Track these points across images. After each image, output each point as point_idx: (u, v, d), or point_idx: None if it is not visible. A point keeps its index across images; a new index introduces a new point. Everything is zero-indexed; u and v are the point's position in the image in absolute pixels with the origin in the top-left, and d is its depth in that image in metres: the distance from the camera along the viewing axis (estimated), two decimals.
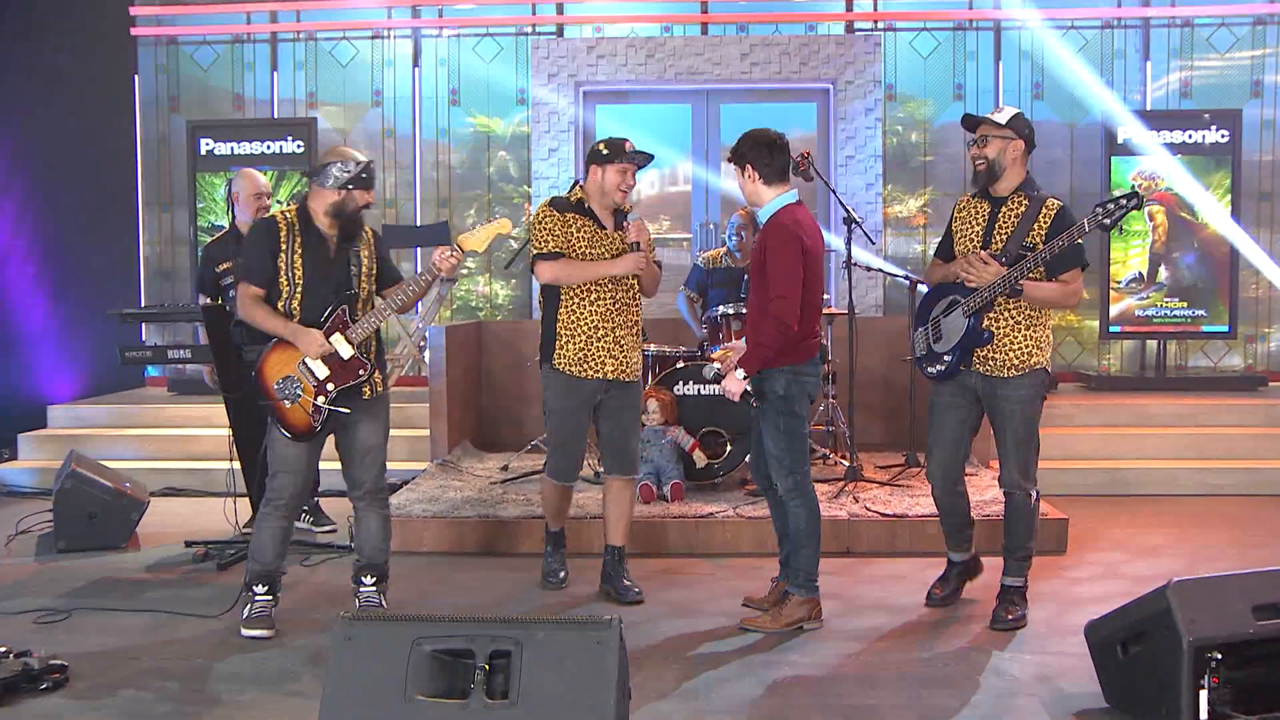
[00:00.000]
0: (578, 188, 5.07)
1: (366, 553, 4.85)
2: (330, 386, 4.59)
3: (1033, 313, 4.59)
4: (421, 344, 9.13)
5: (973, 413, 4.79)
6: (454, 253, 4.68)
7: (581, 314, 4.97)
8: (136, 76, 10.23)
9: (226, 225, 6.64)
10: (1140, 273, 9.08)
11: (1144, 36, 9.79)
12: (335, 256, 4.67)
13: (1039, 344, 4.61)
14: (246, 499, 5.86)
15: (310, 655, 4.41)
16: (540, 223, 4.99)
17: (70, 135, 9.19)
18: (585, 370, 4.98)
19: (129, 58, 10.20)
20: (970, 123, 4.69)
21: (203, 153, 9.32)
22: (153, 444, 8.14)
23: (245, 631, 4.60)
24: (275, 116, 10.04)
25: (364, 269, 4.73)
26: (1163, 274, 9.14)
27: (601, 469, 5.28)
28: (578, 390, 5.01)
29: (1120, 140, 9.05)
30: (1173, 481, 7.33)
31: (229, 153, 9.28)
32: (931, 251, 4.96)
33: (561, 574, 5.31)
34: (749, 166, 4.64)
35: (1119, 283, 9.14)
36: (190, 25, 10.26)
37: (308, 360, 4.57)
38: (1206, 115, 9.12)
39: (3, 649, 3.92)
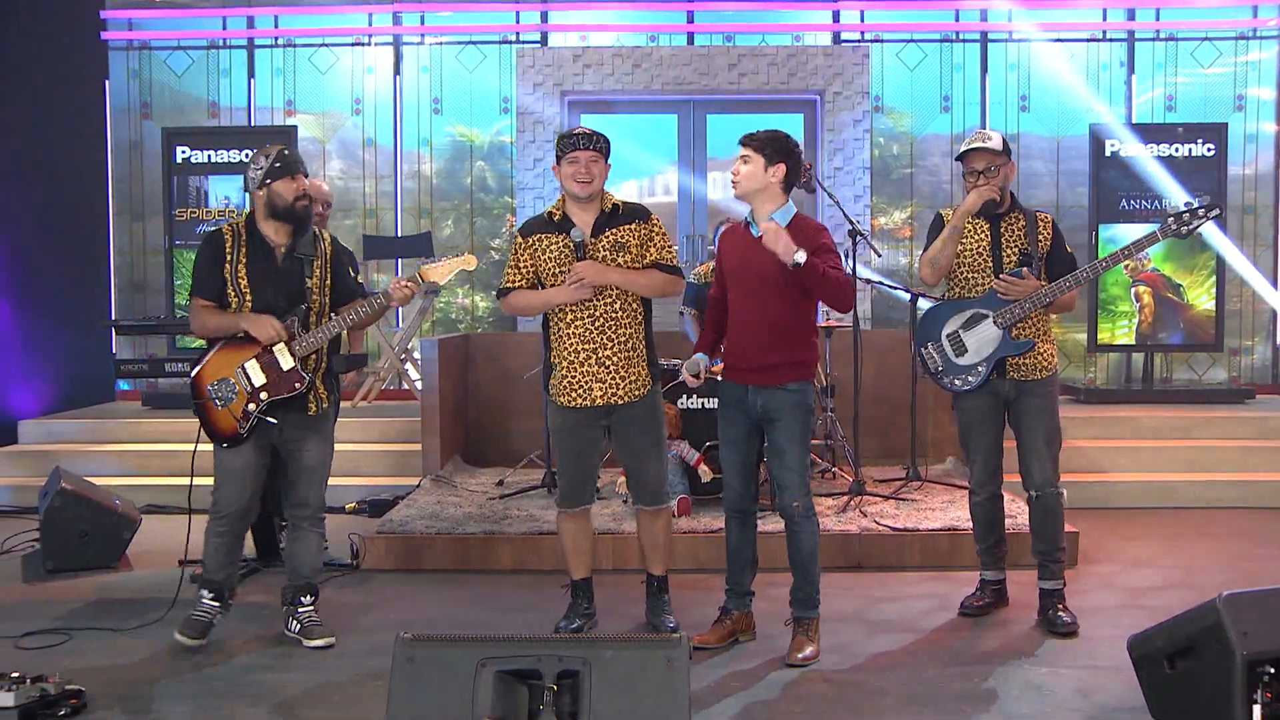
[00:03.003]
0: (560, 198, 4.70)
1: (305, 573, 4.74)
2: (264, 395, 4.53)
3: (1047, 319, 4.87)
4: (404, 357, 8.97)
5: (1001, 418, 4.91)
6: (411, 282, 4.56)
7: (563, 338, 4.59)
8: (107, 82, 9.99)
9: None
10: None
11: (1129, 50, 9.85)
12: (284, 266, 4.59)
13: (1053, 347, 4.90)
14: None
15: (328, 676, 4.25)
16: (510, 253, 4.71)
17: (38, 141, 8.91)
18: (573, 398, 4.58)
19: (99, 62, 9.95)
20: (972, 155, 4.75)
21: (179, 160, 9.11)
22: (132, 459, 7.87)
23: (176, 636, 4.53)
24: (252, 125, 9.83)
25: (315, 280, 4.62)
26: None
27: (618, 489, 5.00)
28: (568, 418, 4.63)
29: (1108, 153, 9.02)
30: (1170, 494, 7.30)
31: (205, 160, 9.09)
32: (918, 264, 5.16)
33: (576, 624, 4.76)
34: (781, 165, 4.41)
35: None
36: (163, 30, 10.03)
37: (246, 366, 4.51)
38: (1181, 129, 9.16)
39: (16, 674, 3.72)
